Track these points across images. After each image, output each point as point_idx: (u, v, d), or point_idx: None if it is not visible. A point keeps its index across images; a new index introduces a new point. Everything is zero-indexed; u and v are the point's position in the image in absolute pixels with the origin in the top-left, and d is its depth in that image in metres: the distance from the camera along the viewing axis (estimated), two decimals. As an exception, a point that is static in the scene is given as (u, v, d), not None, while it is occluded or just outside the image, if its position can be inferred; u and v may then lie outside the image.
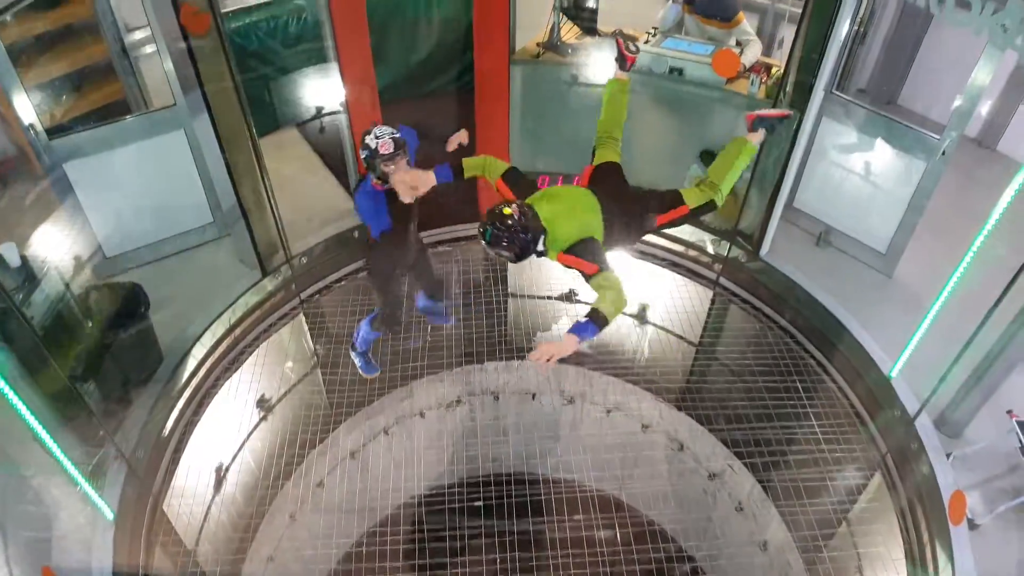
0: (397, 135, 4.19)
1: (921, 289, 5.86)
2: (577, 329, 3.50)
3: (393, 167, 4.18)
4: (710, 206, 4.17)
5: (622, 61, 4.48)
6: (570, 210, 3.82)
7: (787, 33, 6.78)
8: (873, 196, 6.02)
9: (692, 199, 4.13)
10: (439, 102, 7.40)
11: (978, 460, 4.87)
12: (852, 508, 5.08)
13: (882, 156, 5.85)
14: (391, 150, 4.13)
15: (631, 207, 4.06)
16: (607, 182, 4.13)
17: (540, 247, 3.74)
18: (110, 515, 4.42)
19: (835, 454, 5.15)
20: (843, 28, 5.17)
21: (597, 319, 3.49)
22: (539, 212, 3.72)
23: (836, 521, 5.02)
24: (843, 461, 5.15)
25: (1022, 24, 4.16)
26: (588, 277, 3.70)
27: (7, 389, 3.59)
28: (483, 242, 3.67)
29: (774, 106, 5.56)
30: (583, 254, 3.72)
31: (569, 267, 3.79)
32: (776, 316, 6.10)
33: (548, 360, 3.45)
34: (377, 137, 4.16)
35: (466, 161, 4.09)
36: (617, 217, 3.95)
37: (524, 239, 3.62)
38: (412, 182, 4.03)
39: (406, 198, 4.17)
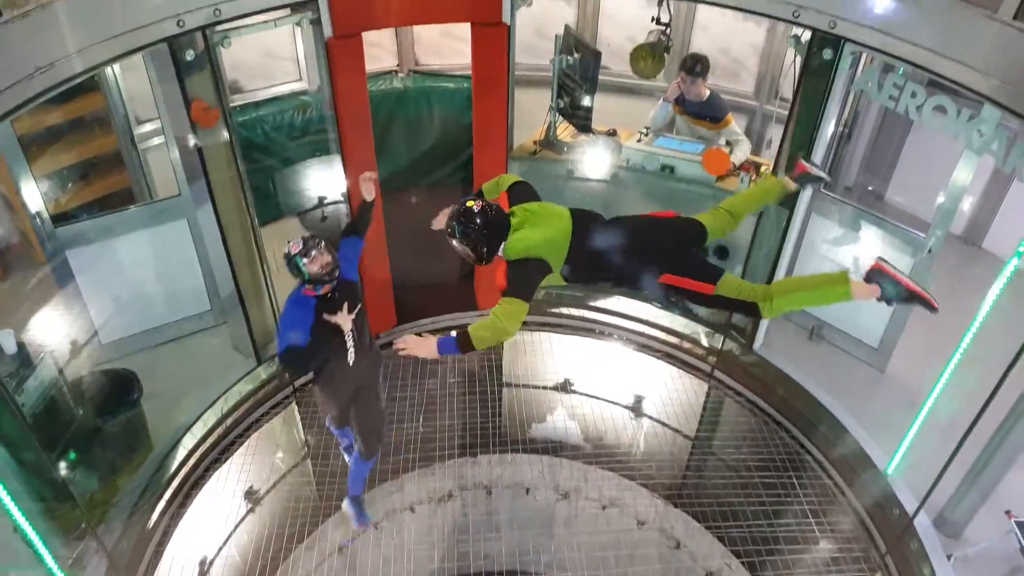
0: (305, 237, 4.21)
1: (914, 384, 5.87)
2: (442, 341, 3.51)
3: (314, 257, 4.12)
4: (748, 309, 3.66)
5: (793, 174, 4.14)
6: (536, 226, 3.65)
7: (775, 133, 7.01)
8: (864, 292, 6.10)
9: (728, 289, 3.62)
10: (439, 194, 7.57)
11: (979, 561, 4.79)
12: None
13: (870, 252, 5.94)
14: (299, 248, 4.13)
15: (652, 258, 3.70)
16: (661, 230, 3.81)
17: (500, 251, 3.64)
18: (88, 612, 4.29)
19: (834, 554, 5.06)
20: (828, 129, 5.38)
21: (462, 341, 3.45)
22: (511, 220, 3.67)
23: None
24: (842, 561, 5.06)
25: (997, 129, 4.35)
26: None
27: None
28: (450, 237, 3.64)
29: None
30: (512, 270, 3.56)
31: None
32: (771, 410, 6.09)
33: (404, 350, 3.54)
34: (288, 241, 4.20)
35: (484, 186, 4.18)
36: (595, 255, 3.67)
37: (486, 235, 3.57)
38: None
39: (344, 324, 4.21)
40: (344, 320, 4.23)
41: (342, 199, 6.06)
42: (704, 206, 6.38)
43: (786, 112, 5.54)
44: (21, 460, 4.12)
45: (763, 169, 6.38)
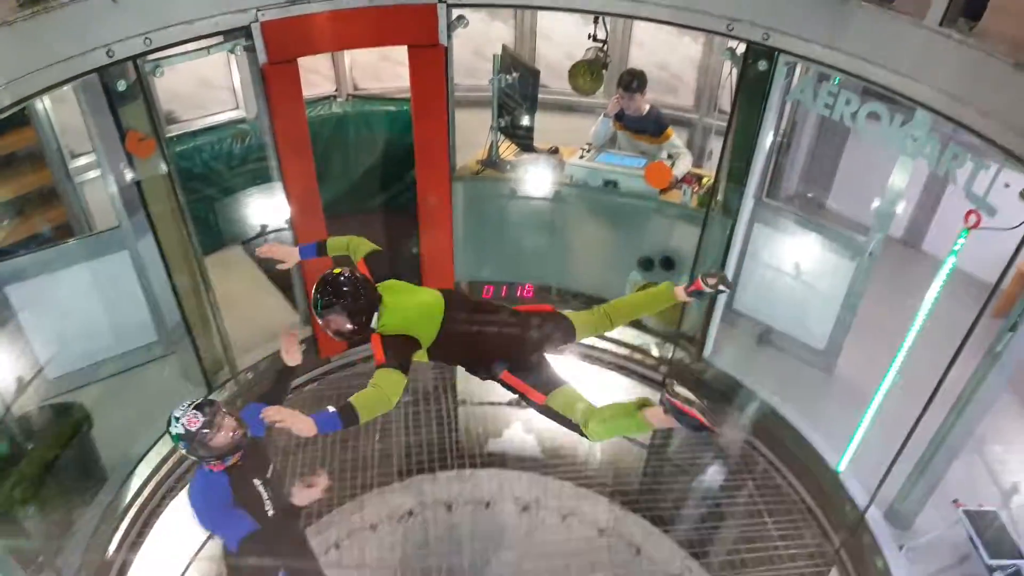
0: (196, 405, 3.50)
1: (861, 384, 5.93)
2: (321, 417, 3.23)
3: (217, 432, 3.46)
4: (571, 426, 3.75)
5: (691, 285, 3.98)
6: (409, 306, 3.67)
7: (716, 145, 7.15)
8: (808, 296, 6.23)
9: (558, 404, 3.74)
10: (384, 217, 7.57)
11: (930, 551, 4.90)
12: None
13: (813, 258, 6.09)
14: (199, 421, 3.43)
15: (495, 349, 3.79)
16: (525, 324, 3.84)
17: (373, 323, 3.59)
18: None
19: (790, 551, 5.13)
20: (767, 139, 5.49)
21: (346, 414, 3.23)
22: (383, 295, 3.63)
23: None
24: (799, 557, 5.13)
25: (930, 134, 4.49)
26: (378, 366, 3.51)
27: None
28: (315, 306, 3.49)
29: (707, 215, 5.78)
30: (386, 344, 3.53)
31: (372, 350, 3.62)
32: (724, 415, 6.15)
33: (277, 421, 3.20)
34: (178, 418, 3.46)
35: (330, 241, 3.98)
36: (459, 338, 3.73)
37: (356, 305, 3.49)
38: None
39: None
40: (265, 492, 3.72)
41: (286, 226, 6.01)
42: (648, 219, 6.57)
43: (725, 124, 5.65)
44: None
45: (705, 180, 6.49)
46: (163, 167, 5.05)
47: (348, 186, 7.59)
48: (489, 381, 3.95)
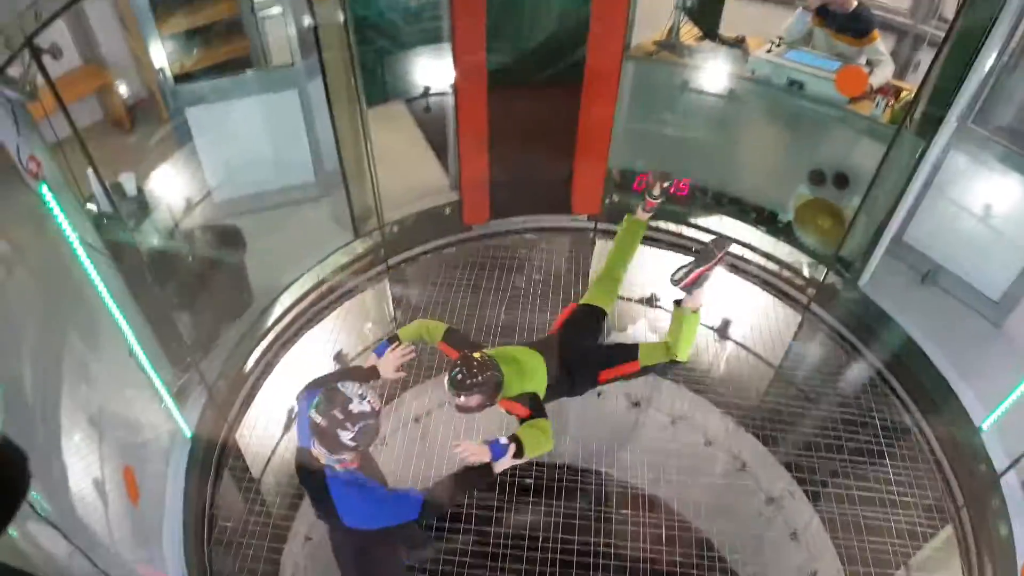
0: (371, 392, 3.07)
1: (1032, 345, 5.45)
2: (494, 445, 3.40)
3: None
4: (669, 364, 4.02)
5: (643, 202, 4.41)
6: (520, 372, 3.80)
7: (925, 57, 6.41)
8: (994, 240, 5.63)
9: (648, 356, 4.01)
10: (546, 91, 7.40)
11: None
12: (915, 554, 4.77)
13: (1012, 198, 5.45)
14: (372, 404, 3.02)
15: (580, 368, 4.03)
16: (573, 336, 4.11)
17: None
18: (188, 433, 4.77)
19: (904, 498, 4.86)
20: (991, 54, 4.86)
21: (517, 446, 3.42)
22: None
23: (895, 563, 4.72)
24: (912, 507, 4.85)
25: None
26: (521, 420, 3.71)
27: (113, 305, 3.92)
28: (454, 389, 3.54)
29: (897, 132, 5.25)
30: (522, 400, 3.74)
31: (507, 411, 3.81)
32: (866, 350, 5.80)
33: (464, 453, 3.38)
34: (362, 395, 2.99)
35: (402, 332, 3.95)
36: (562, 380, 3.95)
37: (494, 384, 3.59)
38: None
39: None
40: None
41: (448, 90, 6.01)
42: (829, 129, 6.07)
43: (942, 33, 5.01)
44: (137, 293, 4.46)
45: (903, 94, 5.86)
46: (340, 16, 5.12)
47: (516, 55, 7.45)
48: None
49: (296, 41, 5.54)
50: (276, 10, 5.75)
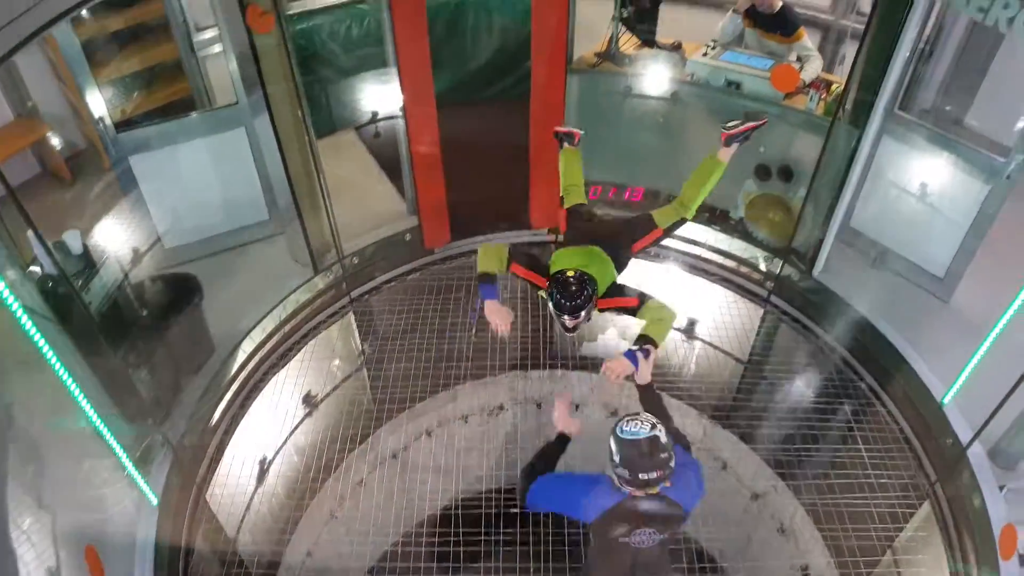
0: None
1: (979, 316, 5.62)
2: (629, 354, 3.76)
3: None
4: (681, 222, 4.52)
5: (571, 139, 5.07)
6: (595, 265, 4.05)
7: (850, 50, 6.67)
8: (933, 219, 5.86)
9: (663, 219, 4.45)
10: (495, 108, 7.45)
11: (1033, 494, 4.72)
12: (898, 537, 4.95)
13: (944, 178, 5.69)
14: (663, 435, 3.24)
15: (616, 242, 4.34)
16: (587, 223, 4.52)
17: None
18: (155, 500, 4.54)
19: (882, 480, 5.03)
20: (907, 45, 5.07)
21: (652, 346, 3.78)
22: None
23: (880, 549, 4.89)
24: (890, 488, 5.02)
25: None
26: (634, 310, 3.91)
27: (63, 372, 3.70)
28: (564, 314, 3.76)
29: (832, 124, 5.47)
30: (618, 293, 4.05)
31: (608, 309, 4.02)
32: (827, 337, 5.99)
33: (616, 377, 3.71)
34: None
35: (488, 269, 4.20)
36: (617, 260, 4.25)
37: (594, 292, 3.80)
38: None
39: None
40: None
41: (398, 113, 5.98)
42: (768, 125, 6.22)
43: (862, 27, 5.24)
44: (89, 354, 4.26)
45: (834, 87, 6.10)
46: (281, 44, 5.00)
47: (462, 75, 7.48)
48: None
49: (239, 78, 5.40)
50: (216, 48, 5.62)
